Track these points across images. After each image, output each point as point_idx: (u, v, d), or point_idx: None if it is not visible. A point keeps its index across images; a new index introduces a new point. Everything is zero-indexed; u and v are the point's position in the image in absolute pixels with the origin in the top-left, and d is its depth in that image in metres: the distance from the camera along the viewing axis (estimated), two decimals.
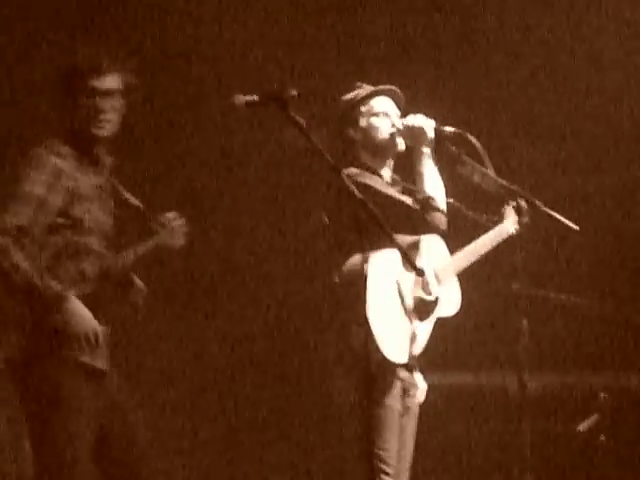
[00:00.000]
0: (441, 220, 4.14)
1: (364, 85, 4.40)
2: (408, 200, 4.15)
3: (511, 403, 5.44)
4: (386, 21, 6.38)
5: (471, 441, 5.84)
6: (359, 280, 3.79)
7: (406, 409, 4.16)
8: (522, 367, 4.21)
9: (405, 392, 4.16)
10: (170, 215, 4.19)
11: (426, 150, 4.21)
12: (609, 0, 6.28)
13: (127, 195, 4.23)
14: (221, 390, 6.31)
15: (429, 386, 4.29)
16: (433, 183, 4.19)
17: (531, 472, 4.51)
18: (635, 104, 6.30)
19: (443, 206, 4.17)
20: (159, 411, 5.96)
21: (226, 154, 6.39)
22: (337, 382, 4.09)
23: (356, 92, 4.37)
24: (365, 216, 3.59)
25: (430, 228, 4.15)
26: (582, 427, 5.33)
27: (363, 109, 4.31)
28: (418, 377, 4.25)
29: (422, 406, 4.28)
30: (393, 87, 4.38)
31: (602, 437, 5.32)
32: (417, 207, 4.11)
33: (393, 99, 4.37)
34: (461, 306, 4.34)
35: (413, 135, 4.24)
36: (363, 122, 4.30)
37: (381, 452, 3.93)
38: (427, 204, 4.12)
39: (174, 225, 4.17)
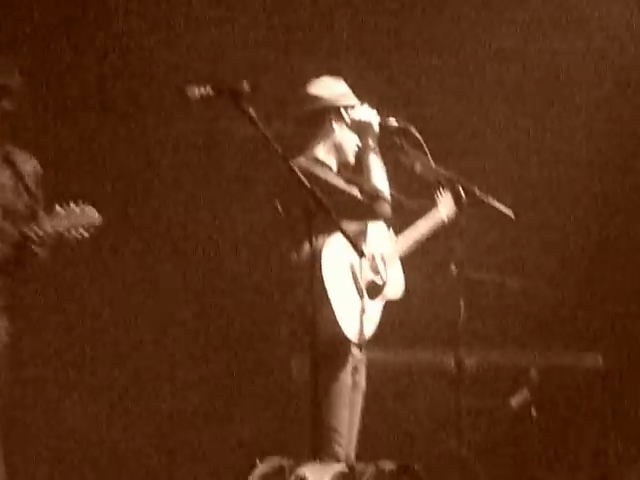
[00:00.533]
0: (386, 208, 4.30)
1: (339, 80, 4.45)
2: (355, 190, 4.32)
3: (449, 379, 5.40)
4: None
5: (410, 415, 5.95)
6: (315, 262, 3.99)
7: (355, 384, 4.37)
8: (459, 345, 4.36)
9: (355, 369, 4.36)
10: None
11: (371, 142, 4.39)
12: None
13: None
14: (181, 369, 6.32)
15: (371, 363, 4.48)
16: (378, 174, 4.37)
17: (468, 446, 4.67)
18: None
19: (387, 195, 4.34)
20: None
21: (178, 142, 6.43)
22: (294, 358, 4.30)
23: (343, 92, 4.42)
24: (314, 204, 3.78)
25: (375, 216, 4.34)
26: (514, 401, 5.55)
27: (347, 117, 4.40)
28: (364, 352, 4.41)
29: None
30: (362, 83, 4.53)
31: (533, 411, 5.55)
32: (363, 196, 4.28)
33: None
34: (405, 289, 4.54)
35: (360, 128, 4.40)
36: (341, 128, 4.40)
37: (334, 423, 4.15)
38: (373, 193, 4.30)
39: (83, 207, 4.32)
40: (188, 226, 6.38)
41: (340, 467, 3.78)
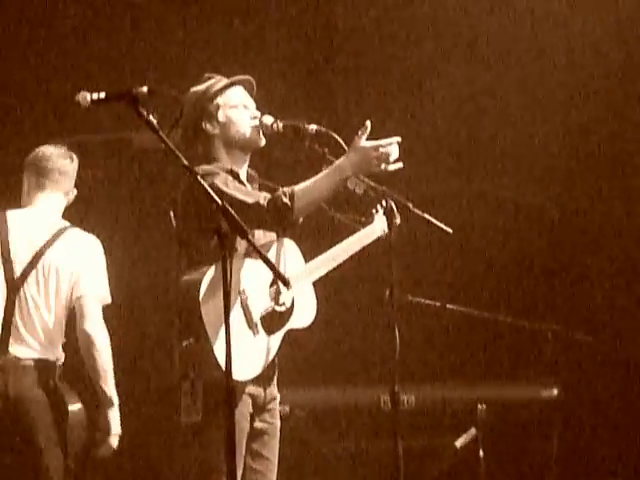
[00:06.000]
0: (284, 215, 4.08)
1: (215, 76, 4.40)
2: (257, 196, 4.14)
3: (383, 419, 5.61)
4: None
5: (340, 461, 5.95)
6: (194, 290, 3.88)
7: (260, 429, 4.20)
8: (394, 380, 4.26)
9: (258, 408, 4.19)
10: None
11: None
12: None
13: None
14: None
15: (295, 403, 4.37)
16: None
17: None
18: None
19: (304, 200, 4.09)
20: None
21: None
22: (182, 400, 4.09)
23: (209, 83, 4.36)
24: (222, 219, 3.59)
25: (268, 224, 4.15)
26: (459, 442, 5.51)
27: (220, 101, 4.32)
28: (276, 389, 4.27)
29: (286, 425, 4.33)
30: (247, 77, 4.39)
31: (481, 452, 5.53)
32: (263, 203, 4.08)
33: (247, 90, 4.39)
34: (326, 316, 4.39)
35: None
36: (221, 116, 4.31)
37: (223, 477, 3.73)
38: (276, 199, 4.08)
39: None
40: None
41: None
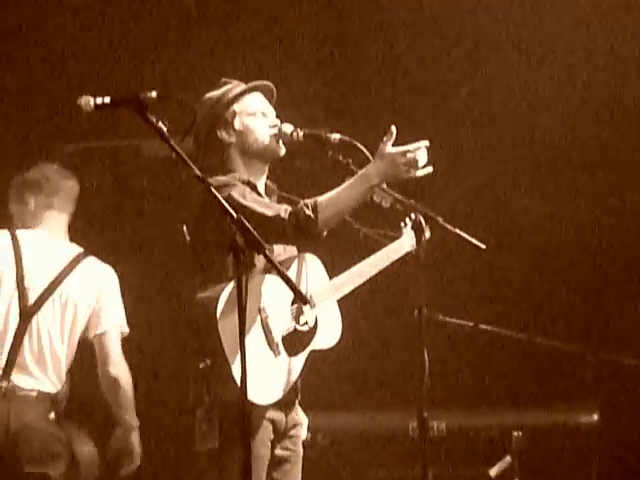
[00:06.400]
0: (307, 229, 3.95)
1: (232, 81, 4.30)
2: (277, 209, 4.03)
3: (412, 447, 5.57)
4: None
5: None
6: (211, 308, 3.76)
7: (281, 457, 4.10)
8: (423, 404, 4.19)
9: (279, 435, 4.09)
10: None
11: None
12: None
13: None
14: None
15: (317, 429, 4.28)
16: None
17: None
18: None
19: (328, 212, 3.96)
20: None
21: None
22: (197, 426, 4.00)
23: (225, 89, 4.27)
24: (240, 234, 3.46)
25: (290, 238, 4.03)
26: (494, 471, 5.39)
27: (237, 108, 4.22)
28: (298, 415, 4.18)
29: (310, 452, 4.25)
30: (267, 82, 4.29)
31: None
32: (284, 216, 3.97)
33: (266, 96, 4.29)
34: (351, 336, 4.29)
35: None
36: (237, 123, 4.21)
37: None
38: (298, 211, 3.96)
39: None
40: None
41: None
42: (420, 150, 3.95)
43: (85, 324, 4.60)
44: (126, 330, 4.69)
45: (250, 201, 4.01)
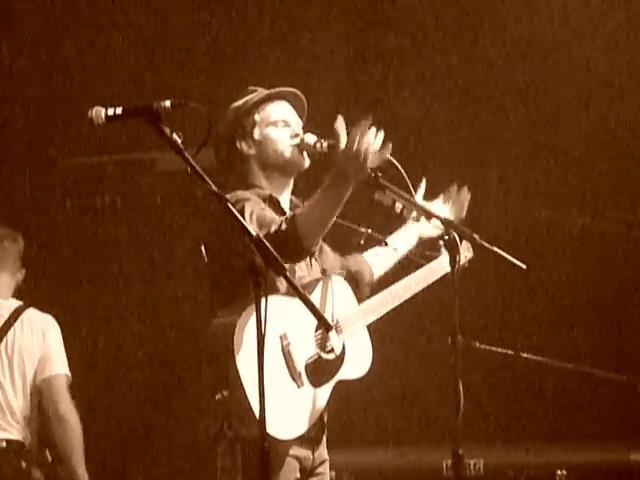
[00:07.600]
0: (292, 244, 3.80)
1: (259, 89, 4.20)
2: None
3: None
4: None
5: None
6: (228, 335, 3.69)
7: None
8: (458, 441, 4.00)
9: (305, 473, 3.99)
10: None
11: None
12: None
13: None
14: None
15: (342, 467, 4.11)
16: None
17: None
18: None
19: (307, 224, 3.82)
20: None
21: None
22: (220, 461, 3.92)
23: (248, 97, 4.17)
24: (259, 255, 3.40)
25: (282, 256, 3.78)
26: None
27: (257, 117, 4.11)
28: (325, 451, 4.08)
29: None
30: (293, 89, 4.18)
31: None
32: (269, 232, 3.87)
33: (293, 105, 4.18)
34: (382, 365, 4.18)
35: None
36: (257, 133, 4.10)
37: None
38: (277, 229, 3.82)
39: None
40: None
41: None
42: (365, 135, 3.74)
43: (34, 374, 5.06)
44: (70, 378, 5.12)
45: (253, 218, 3.88)
